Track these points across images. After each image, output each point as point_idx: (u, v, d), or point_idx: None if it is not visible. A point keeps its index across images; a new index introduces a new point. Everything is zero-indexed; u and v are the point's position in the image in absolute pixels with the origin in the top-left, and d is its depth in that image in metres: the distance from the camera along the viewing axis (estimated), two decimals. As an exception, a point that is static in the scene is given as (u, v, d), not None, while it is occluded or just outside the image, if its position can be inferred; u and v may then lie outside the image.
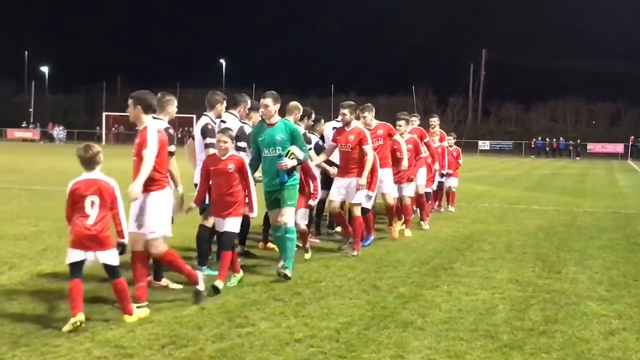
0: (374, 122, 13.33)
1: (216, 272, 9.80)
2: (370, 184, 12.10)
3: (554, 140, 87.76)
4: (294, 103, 12.29)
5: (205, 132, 10.00)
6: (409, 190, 14.47)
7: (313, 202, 11.55)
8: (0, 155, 36.34)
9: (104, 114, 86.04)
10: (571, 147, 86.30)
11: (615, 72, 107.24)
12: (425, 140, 15.51)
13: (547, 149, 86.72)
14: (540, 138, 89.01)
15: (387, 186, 13.47)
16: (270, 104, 9.90)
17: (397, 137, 13.69)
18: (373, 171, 12.12)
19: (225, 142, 9.13)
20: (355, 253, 11.66)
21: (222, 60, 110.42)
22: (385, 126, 13.45)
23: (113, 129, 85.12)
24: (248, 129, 10.90)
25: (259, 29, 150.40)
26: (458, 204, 19.88)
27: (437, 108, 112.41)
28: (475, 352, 6.76)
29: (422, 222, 15.54)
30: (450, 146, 19.41)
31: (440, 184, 18.80)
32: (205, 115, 10.35)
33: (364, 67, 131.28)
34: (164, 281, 9.14)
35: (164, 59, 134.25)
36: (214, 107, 10.37)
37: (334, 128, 13.38)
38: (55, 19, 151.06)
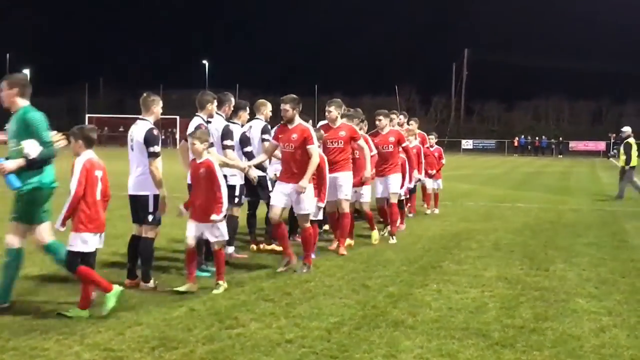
0: (339, 122, 11.93)
1: (205, 274, 9.78)
2: (319, 193, 10.81)
3: (537, 138, 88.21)
4: (261, 100, 12.39)
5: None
6: (366, 196, 12.92)
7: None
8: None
9: (87, 115, 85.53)
10: (553, 145, 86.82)
11: (597, 71, 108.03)
12: (404, 145, 13.82)
13: (530, 147, 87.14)
14: (523, 136, 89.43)
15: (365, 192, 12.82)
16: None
17: (361, 141, 12.25)
18: (322, 178, 10.89)
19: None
20: (305, 270, 10.25)
21: (205, 61, 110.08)
22: (349, 128, 11.96)
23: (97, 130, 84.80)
24: (236, 128, 10.86)
25: (242, 29, 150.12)
26: (443, 203, 19.87)
27: (420, 108, 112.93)
28: (467, 350, 6.74)
29: (391, 236, 13.43)
30: (432, 146, 18.60)
31: (422, 186, 18.32)
32: (197, 116, 10.28)
33: (348, 67, 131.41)
34: (152, 283, 9.07)
35: (147, 61, 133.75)
36: (205, 107, 10.30)
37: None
38: (36, 20, 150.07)
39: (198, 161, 8.99)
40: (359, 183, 12.47)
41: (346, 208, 11.89)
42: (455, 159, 60.99)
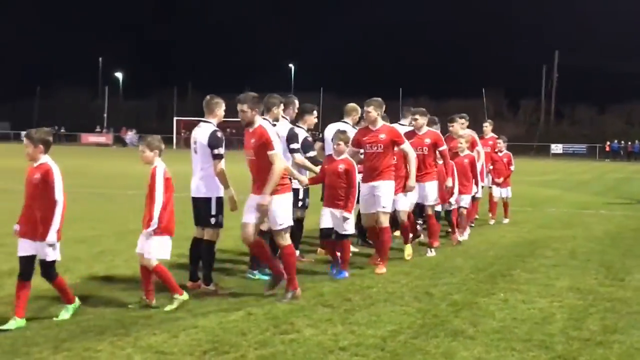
0: (379, 123, 10.95)
1: (267, 277, 9.74)
2: (347, 202, 10.14)
3: (629, 143, 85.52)
4: (352, 105, 12.19)
5: None
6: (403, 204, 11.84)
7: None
8: (70, 160, 36.98)
9: (175, 118, 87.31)
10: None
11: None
12: (441, 149, 12.50)
13: (622, 152, 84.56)
14: (615, 141, 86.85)
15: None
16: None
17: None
18: (351, 187, 10.16)
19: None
20: (289, 297, 8.69)
21: (291, 65, 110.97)
22: (390, 130, 11.05)
23: (182, 133, 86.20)
24: (300, 132, 10.73)
25: (327, 32, 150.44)
26: (523, 209, 19.41)
27: (509, 111, 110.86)
28: (527, 363, 6.49)
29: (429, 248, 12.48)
30: (500, 151, 17.38)
31: (489, 194, 17.12)
32: (264, 119, 10.18)
33: (434, 70, 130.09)
34: (213, 286, 9.07)
35: (234, 64, 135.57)
36: (271, 110, 10.18)
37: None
38: (129, 26, 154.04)
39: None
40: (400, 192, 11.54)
41: (385, 222, 10.74)
42: (543, 164, 59.81)
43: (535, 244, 13.53)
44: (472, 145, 14.74)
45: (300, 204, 10.69)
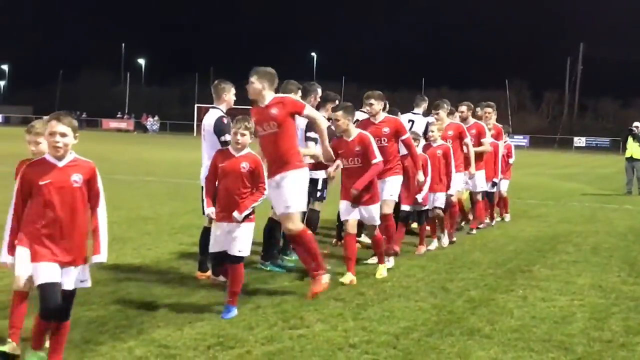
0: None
1: (279, 270, 9.51)
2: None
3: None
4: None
5: None
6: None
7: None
8: (91, 145, 36.85)
9: (196, 105, 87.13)
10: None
11: None
12: (404, 137, 10.60)
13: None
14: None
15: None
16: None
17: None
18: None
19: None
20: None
21: (313, 53, 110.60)
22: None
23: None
24: None
25: (350, 21, 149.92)
26: (545, 202, 19.02)
27: (532, 103, 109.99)
28: (545, 365, 6.19)
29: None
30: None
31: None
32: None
33: (456, 61, 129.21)
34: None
35: (256, 52, 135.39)
36: None
37: (409, 121, 12.86)
38: (151, 12, 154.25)
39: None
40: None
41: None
42: (566, 157, 59.20)
43: (556, 239, 13.18)
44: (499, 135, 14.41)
45: (318, 194, 10.38)
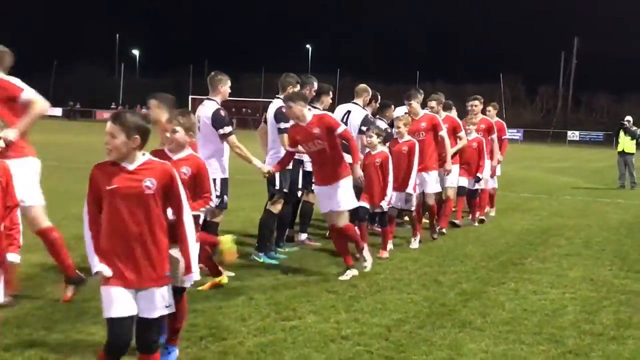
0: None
1: (273, 261, 9.55)
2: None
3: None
4: (362, 85, 11.85)
5: (278, 116, 9.60)
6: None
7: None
8: (84, 137, 36.90)
9: (190, 97, 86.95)
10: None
11: None
12: (339, 131, 8.81)
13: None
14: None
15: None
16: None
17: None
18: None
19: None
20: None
21: (308, 46, 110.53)
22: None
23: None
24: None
25: (345, 14, 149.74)
26: (538, 196, 19.05)
27: (526, 97, 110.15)
28: (536, 357, 6.22)
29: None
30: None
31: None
32: (278, 98, 9.89)
33: (450, 55, 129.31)
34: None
35: (250, 44, 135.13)
36: (286, 89, 9.88)
37: (406, 113, 12.86)
38: (145, 3, 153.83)
39: None
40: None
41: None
42: (560, 151, 59.28)
43: (549, 232, 13.22)
44: (494, 132, 14.32)
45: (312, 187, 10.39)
